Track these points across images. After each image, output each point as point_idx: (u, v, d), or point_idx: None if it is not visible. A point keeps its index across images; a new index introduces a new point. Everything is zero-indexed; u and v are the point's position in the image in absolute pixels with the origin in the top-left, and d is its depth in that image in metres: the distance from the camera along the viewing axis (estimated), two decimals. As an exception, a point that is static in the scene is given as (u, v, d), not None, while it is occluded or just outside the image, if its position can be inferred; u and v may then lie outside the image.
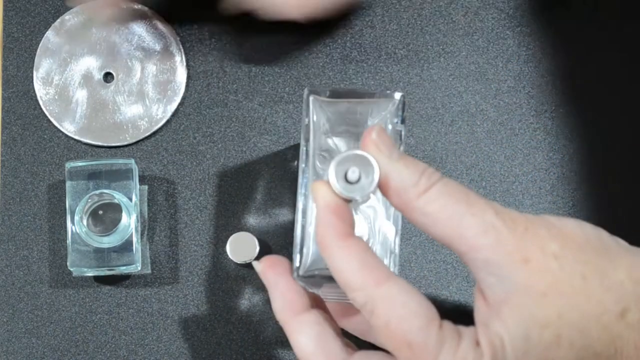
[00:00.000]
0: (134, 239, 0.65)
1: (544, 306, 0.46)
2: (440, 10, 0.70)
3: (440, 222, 0.47)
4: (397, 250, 0.54)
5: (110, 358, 0.66)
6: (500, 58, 0.69)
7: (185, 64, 0.69)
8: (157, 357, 0.66)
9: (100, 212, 0.66)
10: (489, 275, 0.47)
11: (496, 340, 0.46)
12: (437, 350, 0.46)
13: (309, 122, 0.55)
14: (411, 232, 0.67)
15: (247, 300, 0.66)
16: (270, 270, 0.53)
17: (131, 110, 0.68)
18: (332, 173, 0.49)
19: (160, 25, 0.69)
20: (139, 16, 0.69)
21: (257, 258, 0.64)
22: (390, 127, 0.55)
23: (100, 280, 0.67)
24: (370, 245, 0.56)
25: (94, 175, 0.65)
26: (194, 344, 0.66)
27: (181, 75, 0.68)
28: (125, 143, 0.68)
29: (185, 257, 0.67)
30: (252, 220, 0.67)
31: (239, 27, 0.69)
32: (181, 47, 0.69)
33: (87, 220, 0.66)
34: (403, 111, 0.55)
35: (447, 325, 0.48)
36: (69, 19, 0.69)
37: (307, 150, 0.55)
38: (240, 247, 0.65)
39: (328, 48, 0.69)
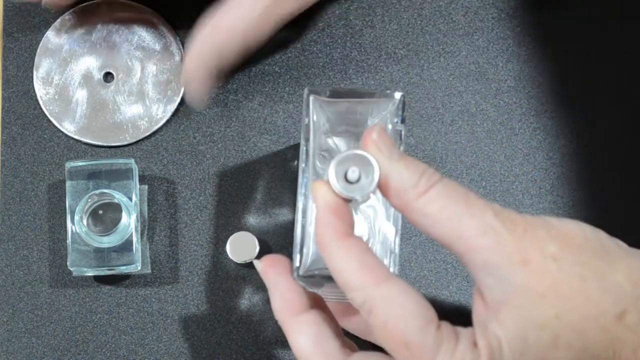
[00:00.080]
0: (134, 239, 0.65)
1: (543, 307, 0.46)
2: (440, 10, 0.70)
3: (439, 223, 0.47)
4: (397, 250, 0.54)
5: (110, 358, 0.66)
6: (500, 58, 0.69)
7: (185, 64, 0.69)
8: (157, 357, 0.66)
9: (100, 212, 0.66)
10: (488, 276, 0.47)
11: (494, 341, 0.46)
12: (434, 351, 0.47)
13: (309, 122, 0.55)
14: (411, 232, 0.67)
15: (247, 300, 0.66)
16: (270, 269, 0.53)
17: (131, 110, 0.68)
18: (332, 173, 0.49)
19: (160, 25, 0.69)
20: (139, 16, 0.69)
21: (257, 258, 0.64)
22: (390, 127, 0.55)
23: (100, 280, 0.67)
24: (370, 245, 0.56)
25: (94, 175, 0.66)
26: (194, 344, 0.66)
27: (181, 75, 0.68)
28: (125, 143, 0.68)
29: (185, 257, 0.67)
30: (252, 220, 0.67)
31: (239, 27, 0.69)
32: (181, 47, 0.69)
33: (87, 220, 0.66)
34: (403, 111, 0.55)
35: (445, 326, 0.48)
36: (69, 19, 0.69)
37: (307, 150, 0.55)
38: (240, 247, 0.65)
39: (328, 48, 0.69)
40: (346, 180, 0.49)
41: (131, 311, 0.66)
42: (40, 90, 0.68)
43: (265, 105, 0.69)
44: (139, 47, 0.69)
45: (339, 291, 0.50)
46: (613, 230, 0.51)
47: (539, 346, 0.46)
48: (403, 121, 0.55)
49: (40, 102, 0.68)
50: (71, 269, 0.65)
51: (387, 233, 0.55)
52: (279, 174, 0.68)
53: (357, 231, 0.53)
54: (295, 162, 0.68)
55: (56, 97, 0.68)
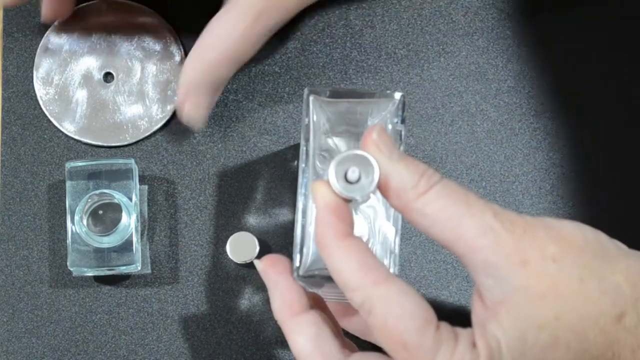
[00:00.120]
0: (134, 239, 0.65)
1: (542, 308, 0.46)
2: (440, 10, 0.70)
3: (439, 224, 0.48)
4: (397, 250, 0.54)
5: (110, 358, 0.66)
6: (500, 58, 0.69)
7: (185, 64, 0.69)
8: (157, 357, 0.66)
9: (100, 212, 0.66)
10: (487, 277, 0.47)
11: (492, 342, 0.46)
12: (433, 352, 0.47)
13: (309, 122, 0.55)
14: (411, 232, 0.67)
15: (247, 300, 0.67)
16: (270, 269, 0.54)
17: (131, 110, 0.68)
18: (332, 173, 0.49)
19: (160, 25, 0.69)
20: (139, 16, 0.69)
21: (257, 258, 0.64)
22: (390, 127, 0.55)
23: (100, 280, 0.67)
24: (370, 245, 0.56)
25: (94, 175, 0.66)
26: (194, 344, 0.66)
27: (181, 75, 0.68)
28: (125, 143, 0.68)
29: (185, 257, 0.67)
30: (252, 220, 0.67)
31: (239, 27, 0.69)
32: (181, 47, 0.69)
33: (87, 220, 0.66)
34: (403, 111, 0.55)
35: (444, 326, 0.48)
36: (69, 19, 0.69)
37: (307, 150, 0.55)
38: (240, 247, 0.65)
39: (328, 48, 0.69)
40: (346, 180, 0.49)
41: (131, 311, 0.66)
42: (40, 90, 0.68)
43: (265, 105, 0.69)
44: (139, 47, 0.69)
45: (339, 291, 0.50)
46: (613, 230, 0.51)
47: (538, 347, 0.46)
48: (403, 121, 0.55)
49: (40, 102, 0.68)
50: (71, 269, 0.65)
51: (387, 233, 0.55)
52: (279, 174, 0.68)
53: (357, 231, 0.53)
54: (295, 162, 0.68)
55: (56, 97, 0.68)
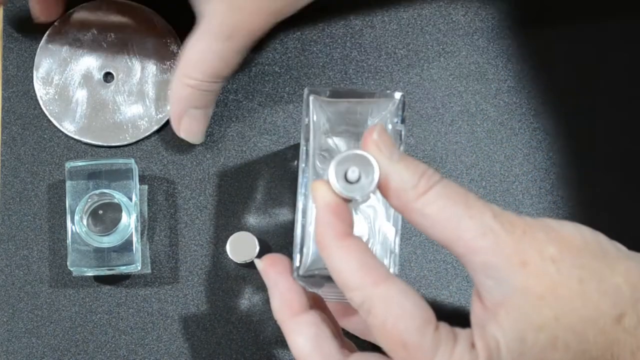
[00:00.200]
0: (134, 239, 0.65)
1: (541, 309, 0.46)
2: (440, 10, 0.70)
3: (438, 224, 0.48)
4: (397, 250, 0.54)
5: (110, 358, 0.66)
6: (500, 58, 0.69)
7: (185, 64, 0.69)
8: (157, 357, 0.66)
9: (100, 212, 0.66)
10: (487, 278, 0.47)
11: (492, 342, 0.46)
12: (432, 352, 0.47)
13: (309, 122, 0.55)
14: (411, 232, 0.67)
15: (247, 300, 0.67)
16: (271, 268, 0.54)
17: (131, 110, 0.68)
18: (332, 173, 0.49)
19: (160, 25, 0.69)
20: (139, 16, 0.69)
21: (257, 258, 0.64)
22: (390, 127, 0.55)
23: (100, 280, 0.67)
24: (370, 245, 0.56)
25: (94, 175, 0.66)
26: (194, 344, 0.66)
27: (181, 75, 0.68)
28: (125, 143, 0.68)
29: (185, 257, 0.67)
30: (252, 220, 0.67)
31: (239, 27, 0.69)
32: (181, 47, 0.69)
33: (87, 220, 0.66)
34: (403, 111, 0.55)
35: (444, 327, 0.48)
36: (69, 19, 0.69)
37: (307, 150, 0.55)
38: (240, 247, 0.65)
39: (328, 48, 0.69)
40: (346, 180, 0.49)
41: (131, 311, 0.66)
42: (40, 90, 0.68)
43: (265, 105, 0.69)
44: (139, 47, 0.69)
45: (339, 291, 0.50)
46: (613, 230, 0.51)
47: (538, 347, 0.46)
48: (403, 121, 0.55)
49: (40, 102, 0.68)
50: (71, 269, 0.65)
51: (387, 233, 0.55)
52: (279, 174, 0.68)
53: (357, 231, 0.53)
54: (295, 162, 0.68)
55: (56, 97, 0.68)
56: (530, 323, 0.46)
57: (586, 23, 0.69)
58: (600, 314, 0.46)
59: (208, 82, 0.63)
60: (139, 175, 0.67)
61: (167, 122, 0.68)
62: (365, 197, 0.49)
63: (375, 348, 0.51)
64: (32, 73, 0.69)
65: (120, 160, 0.66)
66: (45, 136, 0.68)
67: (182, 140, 0.68)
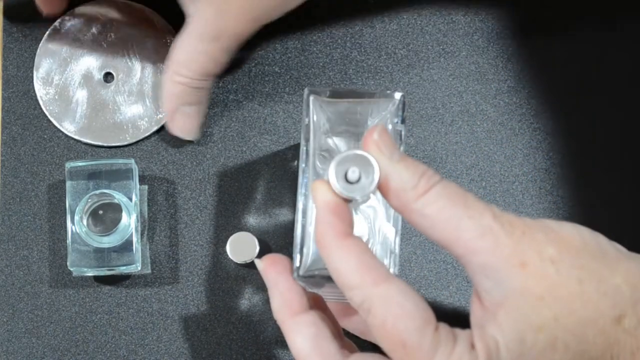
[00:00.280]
0: (134, 239, 0.65)
1: (540, 310, 0.46)
2: (440, 10, 0.70)
3: (438, 225, 0.48)
4: (397, 251, 0.54)
5: (110, 358, 0.66)
6: (500, 58, 0.69)
7: (185, 64, 0.69)
8: (157, 357, 0.66)
9: (100, 212, 0.66)
10: (486, 279, 0.47)
11: (491, 343, 0.46)
12: (432, 352, 0.47)
13: (309, 122, 0.55)
14: (411, 232, 0.67)
15: (247, 300, 0.67)
16: (271, 268, 0.54)
17: (131, 110, 0.68)
18: (332, 173, 0.49)
19: (160, 25, 0.69)
20: (139, 16, 0.69)
21: (257, 258, 0.64)
22: (390, 127, 0.55)
23: (100, 280, 0.67)
24: (370, 245, 0.56)
25: (94, 175, 0.66)
26: (194, 344, 0.66)
27: (181, 75, 0.68)
28: (125, 143, 0.68)
29: (185, 257, 0.67)
30: (252, 220, 0.67)
31: (239, 27, 0.69)
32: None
33: (87, 220, 0.66)
34: (403, 111, 0.55)
35: (443, 327, 0.48)
36: (69, 19, 0.69)
37: (307, 150, 0.55)
38: (240, 247, 0.65)
39: (328, 48, 0.69)
40: (346, 180, 0.49)
41: (131, 311, 0.67)
42: (40, 90, 0.68)
43: (265, 105, 0.69)
44: (139, 47, 0.69)
45: (339, 291, 0.50)
46: (613, 230, 0.51)
47: (537, 348, 0.46)
48: (403, 121, 0.55)
49: (40, 102, 0.68)
50: (71, 269, 0.65)
51: (387, 233, 0.55)
52: (279, 174, 0.68)
53: (357, 231, 0.53)
54: (295, 162, 0.68)
55: (56, 97, 0.68)
56: (529, 324, 0.46)
57: (586, 23, 0.69)
58: (600, 314, 0.46)
59: (198, 80, 0.63)
60: (139, 175, 0.67)
61: (167, 122, 0.68)
62: (365, 197, 0.49)
63: (375, 348, 0.51)
64: (32, 73, 0.69)
65: (120, 161, 0.66)
66: (45, 136, 0.68)
67: (182, 140, 0.68)
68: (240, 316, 0.66)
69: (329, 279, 0.51)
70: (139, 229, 0.66)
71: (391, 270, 0.53)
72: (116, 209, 0.65)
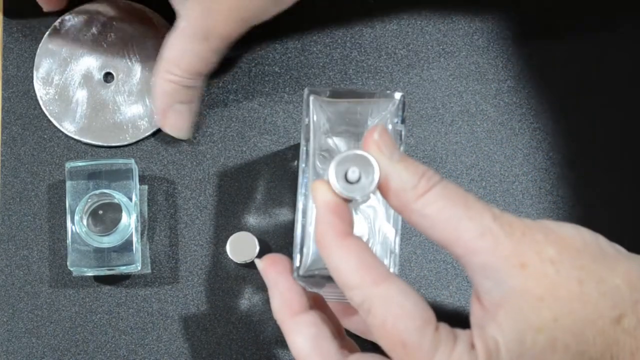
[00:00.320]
0: (134, 239, 0.65)
1: (540, 310, 0.46)
2: (440, 10, 0.70)
3: (438, 225, 0.48)
4: (397, 250, 0.54)
5: (110, 358, 0.66)
6: (500, 58, 0.69)
7: (185, 64, 0.69)
8: (157, 357, 0.66)
9: (100, 212, 0.66)
10: (486, 279, 0.47)
11: (491, 343, 0.46)
12: (431, 352, 0.47)
13: (309, 122, 0.55)
14: (411, 232, 0.67)
15: (247, 300, 0.67)
16: (271, 268, 0.53)
17: (131, 110, 0.68)
18: (332, 173, 0.49)
19: (160, 25, 0.69)
20: (139, 16, 0.69)
21: (257, 258, 0.64)
22: (390, 127, 0.55)
23: (100, 280, 0.67)
24: (370, 245, 0.56)
25: (94, 175, 0.66)
26: (194, 344, 0.66)
27: (181, 75, 0.68)
28: (125, 143, 0.68)
29: (185, 257, 0.67)
30: (252, 220, 0.67)
31: (239, 27, 0.69)
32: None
33: (87, 220, 0.66)
34: (403, 111, 0.55)
35: (443, 327, 0.48)
36: (69, 19, 0.69)
37: (307, 150, 0.55)
38: (240, 247, 0.65)
39: (328, 48, 0.69)
40: (346, 180, 0.49)
41: (131, 311, 0.67)
42: (40, 90, 0.68)
43: (265, 105, 0.69)
44: (139, 47, 0.69)
45: (339, 291, 0.50)
46: (613, 230, 0.51)
47: (537, 349, 0.46)
48: (403, 121, 0.55)
49: (40, 102, 0.68)
50: (71, 269, 0.65)
51: (387, 233, 0.55)
52: (279, 174, 0.68)
53: (357, 231, 0.53)
54: (295, 162, 0.68)
55: (56, 97, 0.68)
56: (529, 324, 0.46)
57: (586, 23, 0.69)
58: (600, 315, 0.46)
59: (188, 79, 0.63)
60: (139, 175, 0.67)
61: (167, 122, 0.68)
62: (365, 197, 0.49)
63: (376, 348, 0.51)
64: (32, 73, 0.69)
65: (120, 161, 0.66)
66: (45, 136, 0.68)
67: (182, 141, 0.68)
68: (240, 316, 0.66)
69: (329, 278, 0.51)
70: (139, 229, 0.66)
71: (391, 271, 0.53)
72: (116, 209, 0.65)
